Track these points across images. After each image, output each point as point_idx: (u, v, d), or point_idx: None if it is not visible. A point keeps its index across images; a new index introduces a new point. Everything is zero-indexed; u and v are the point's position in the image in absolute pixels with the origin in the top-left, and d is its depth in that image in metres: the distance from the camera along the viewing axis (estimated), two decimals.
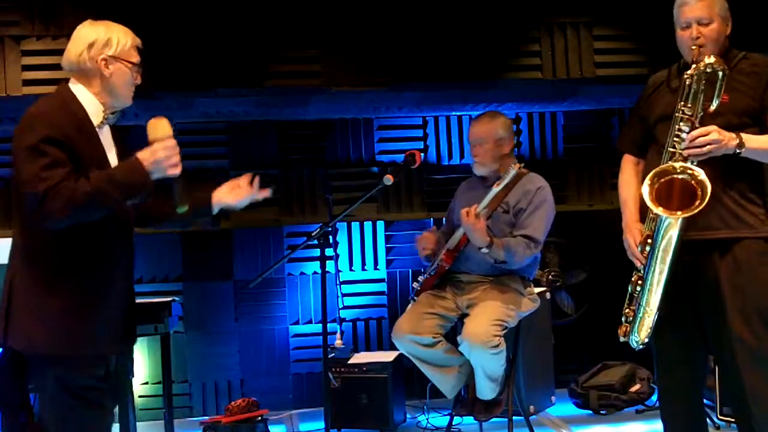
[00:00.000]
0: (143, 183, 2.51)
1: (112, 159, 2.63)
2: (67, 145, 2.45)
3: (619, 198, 3.07)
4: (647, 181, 2.74)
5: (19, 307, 2.49)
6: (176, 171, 2.54)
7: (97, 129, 2.58)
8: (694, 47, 2.80)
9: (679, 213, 2.68)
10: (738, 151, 2.72)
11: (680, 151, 2.74)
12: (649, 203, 2.71)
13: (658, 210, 2.70)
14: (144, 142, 2.55)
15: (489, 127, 3.86)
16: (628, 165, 3.09)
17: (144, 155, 2.51)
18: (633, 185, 3.02)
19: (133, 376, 3.88)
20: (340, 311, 5.09)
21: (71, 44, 2.62)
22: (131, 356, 3.79)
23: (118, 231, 2.61)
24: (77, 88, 2.59)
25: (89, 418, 2.57)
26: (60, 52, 2.65)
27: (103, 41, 2.59)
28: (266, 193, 2.91)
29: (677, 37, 2.91)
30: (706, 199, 2.64)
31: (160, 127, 2.56)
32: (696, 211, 2.65)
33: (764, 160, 2.81)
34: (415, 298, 3.92)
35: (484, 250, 3.63)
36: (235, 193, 2.86)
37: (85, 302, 2.52)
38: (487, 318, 3.57)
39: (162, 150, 2.51)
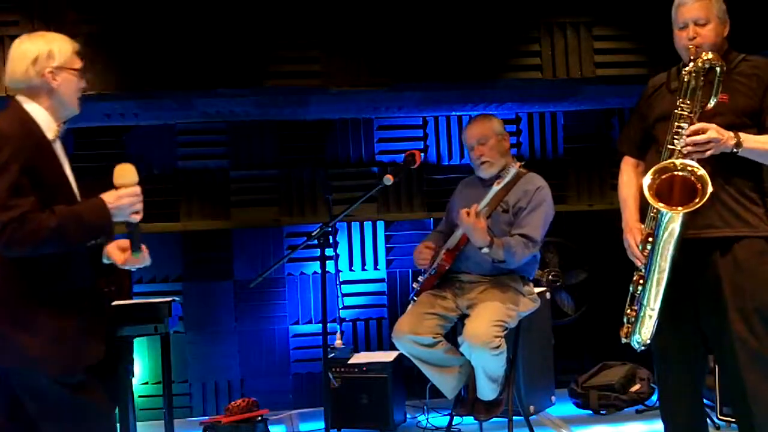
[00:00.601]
0: (106, 226, 2.55)
1: (68, 172, 2.63)
2: (30, 168, 2.43)
3: (618, 198, 3.07)
4: (648, 178, 2.73)
5: (6, 322, 2.48)
6: (137, 217, 2.58)
7: (52, 144, 2.58)
8: (690, 47, 2.80)
9: (679, 208, 2.67)
10: (735, 150, 2.72)
11: (680, 149, 2.74)
12: (649, 199, 2.71)
13: (659, 205, 2.69)
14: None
15: (487, 126, 3.88)
16: (628, 167, 3.09)
17: (109, 198, 2.53)
18: (633, 186, 3.02)
19: (133, 376, 3.88)
20: (340, 311, 5.09)
21: (13, 63, 2.59)
22: (131, 356, 3.79)
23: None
24: (29, 106, 2.57)
25: (91, 410, 2.58)
26: None
27: (45, 54, 2.57)
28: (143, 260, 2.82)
29: (675, 38, 2.91)
30: (707, 195, 2.63)
31: (126, 174, 2.59)
32: (697, 206, 2.64)
33: (761, 160, 2.80)
34: (415, 298, 3.92)
35: (485, 250, 3.63)
36: (121, 255, 2.76)
37: (69, 311, 2.53)
38: (488, 319, 3.57)
39: (127, 197, 2.55)
